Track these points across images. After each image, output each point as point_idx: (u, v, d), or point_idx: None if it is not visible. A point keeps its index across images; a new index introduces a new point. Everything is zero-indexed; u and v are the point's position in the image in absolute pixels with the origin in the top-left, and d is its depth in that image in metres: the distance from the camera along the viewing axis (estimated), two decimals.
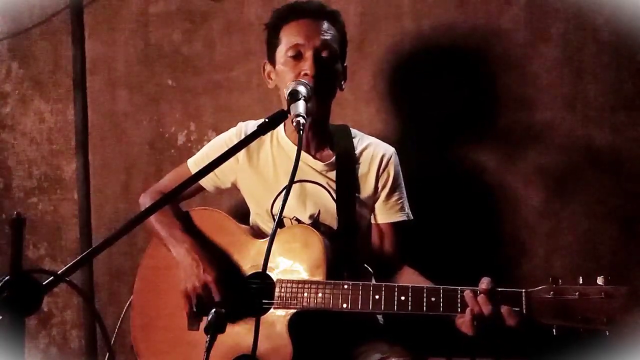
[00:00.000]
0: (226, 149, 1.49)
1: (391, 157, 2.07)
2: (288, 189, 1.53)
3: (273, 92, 2.11)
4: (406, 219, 2.07)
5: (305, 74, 1.89)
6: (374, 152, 2.06)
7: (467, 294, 1.67)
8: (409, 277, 1.97)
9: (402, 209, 2.07)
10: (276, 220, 1.57)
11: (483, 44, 2.40)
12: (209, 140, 2.30)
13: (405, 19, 2.46)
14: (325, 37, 1.94)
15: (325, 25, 1.96)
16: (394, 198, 2.06)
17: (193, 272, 1.91)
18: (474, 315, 1.65)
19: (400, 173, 2.08)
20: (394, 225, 2.06)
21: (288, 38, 1.95)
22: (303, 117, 1.64)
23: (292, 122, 1.65)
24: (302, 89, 1.74)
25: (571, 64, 2.36)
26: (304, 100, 1.71)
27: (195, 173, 1.47)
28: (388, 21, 2.47)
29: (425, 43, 2.45)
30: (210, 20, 2.62)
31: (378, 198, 2.05)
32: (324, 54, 1.93)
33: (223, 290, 1.89)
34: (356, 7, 2.46)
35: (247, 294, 1.90)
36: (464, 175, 2.43)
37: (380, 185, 2.04)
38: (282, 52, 1.96)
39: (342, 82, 2.04)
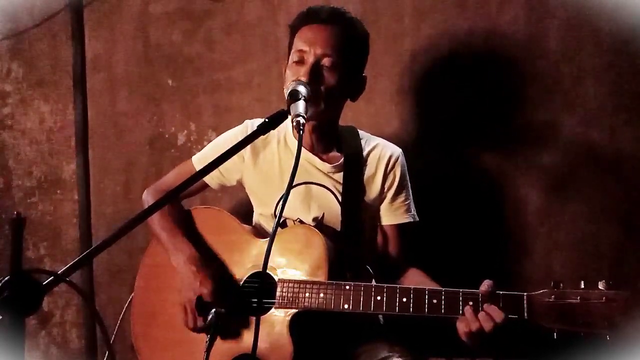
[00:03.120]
0: (230, 146, 1.49)
1: (398, 157, 2.06)
2: (288, 190, 1.53)
3: (273, 92, 2.11)
4: (412, 220, 2.07)
5: (299, 80, 1.87)
6: (381, 153, 2.06)
7: (467, 310, 1.66)
8: (415, 279, 1.97)
9: (408, 210, 2.06)
10: (276, 220, 1.57)
11: (483, 44, 2.40)
12: (209, 141, 2.29)
13: (405, 20, 2.46)
14: (332, 44, 1.91)
15: (337, 31, 1.93)
16: (400, 199, 2.05)
17: (190, 283, 1.90)
18: (472, 332, 1.65)
19: (407, 174, 2.08)
20: (400, 227, 2.06)
21: (296, 43, 1.95)
22: (303, 117, 1.64)
23: (292, 122, 1.65)
24: (302, 89, 1.74)
25: (571, 64, 2.36)
26: (304, 100, 1.71)
27: (198, 171, 1.47)
28: (388, 21, 2.47)
29: (425, 43, 2.45)
30: (210, 20, 2.62)
31: (384, 199, 2.05)
32: (326, 62, 1.90)
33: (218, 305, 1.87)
34: (356, 7, 2.45)
35: (245, 299, 1.89)
36: (464, 176, 2.42)
37: (386, 186, 2.04)
38: (291, 56, 1.95)
39: (356, 94, 2.02)
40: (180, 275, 1.94)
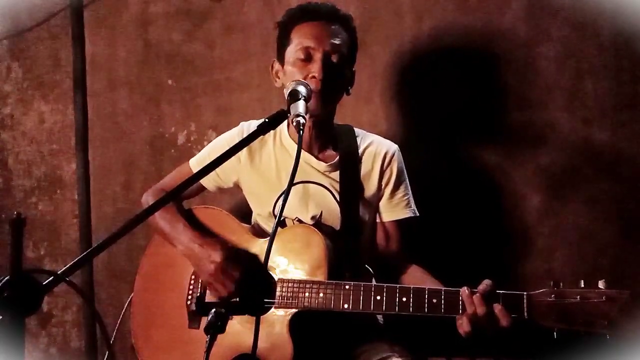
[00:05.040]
0: (227, 148, 1.49)
1: (394, 153, 2.06)
2: (288, 189, 1.53)
3: (273, 92, 2.11)
4: (412, 215, 2.06)
5: (313, 77, 1.89)
6: (376, 149, 2.06)
7: (464, 291, 1.67)
8: (417, 277, 1.97)
9: (408, 205, 2.06)
10: (276, 219, 1.57)
11: (483, 44, 2.40)
12: (209, 141, 2.30)
13: (405, 19, 2.46)
14: (336, 42, 1.94)
15: (337, 29, 1.96)
16: (399, 195, 2.05)
17: (202, 258, 1.90)
18: (469, 316, 1.66)
19: (404, 170, 2.08)
20: (400, 223, 2.06)
21: (299, 39, 1.95)
22: (303, 117, 1.64)
23: (292, 122, 1.65)
24: (302, 89, 1.74)
25: (571, 64, 2.36)
26: (304, 100, 1.71)
27: (196, 172, 1.47)
28: (388, 21, 2.47)
29: (425, 43, 2.45)
30: (210, 20, 2.62)
31: (382, 196, 2.05)
32: (334, 58, 1.93)
33: (238, 265, 1.87)
34: (356, 7, 2.46)
35: (249, 291, 1.89)
36: (463, 176, 2.43)
37: (383, 182, 2.04)
38: (292, 52, 1.96)
39: (349, 87, 2.04)
40: (191, 256, 1.94)
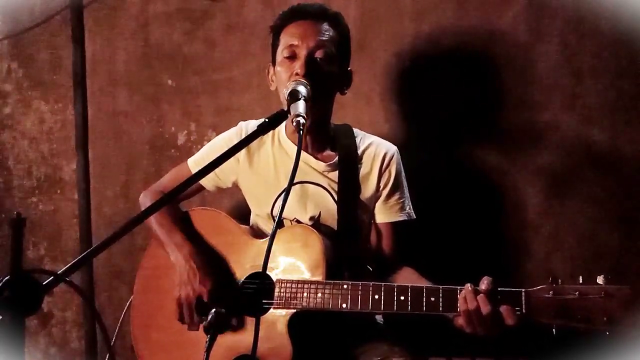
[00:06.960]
0: (226, 148, 1.49)
1: (393, 155, 2.06)
2: (288, 189, 1.53)
3: (273, 93, 2.10)
4: (406, 218, 2.06)
5: (296, 74, 1.88)
6: (376, 151, 2.06)
7: (467, 288, 1.66)
8: (407, 278, 1.96)
9: (402, 208, 2.06)
10: (276, 220, 1.57)
11: (483, 44, 2.41)
12: (209, 140, 2.29)
13: (405, 19, 2.46)
14: (322, 38, 1.93)
15: (325, 26, 1.96)
16: (395, 197, 2.05)
17: (189, 280, 1.91)
18: (470, 312, 1.65)
19: (402, 172, 2.08)
20: (394, 225, 2.06)
21: (285, 39, 1.96)
22: (303, 117, 1.64)
23: (292, 122, 1.65)
24: (302, 89, 1.74)
25: (571, 64, 2.36)
26: (303, 100, 1.71)
27: (195, 173, 1.47)
28: (388, 21, 2.47)
29: (425, 43, 2.45)
30: (210, 20, 2.62)
31: (379, 197, 2.04)
32: (319, 54, 1.92)
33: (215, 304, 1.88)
34: (356, 7, 2.46)
35: (245, 298, 1.89)
36: (463, 176, 2.43)
37: (382, 184, 2.04)
38: (280, 52, 1.96)
39: (344, 87, 2.03)
40: (180, 270, 1.94)
